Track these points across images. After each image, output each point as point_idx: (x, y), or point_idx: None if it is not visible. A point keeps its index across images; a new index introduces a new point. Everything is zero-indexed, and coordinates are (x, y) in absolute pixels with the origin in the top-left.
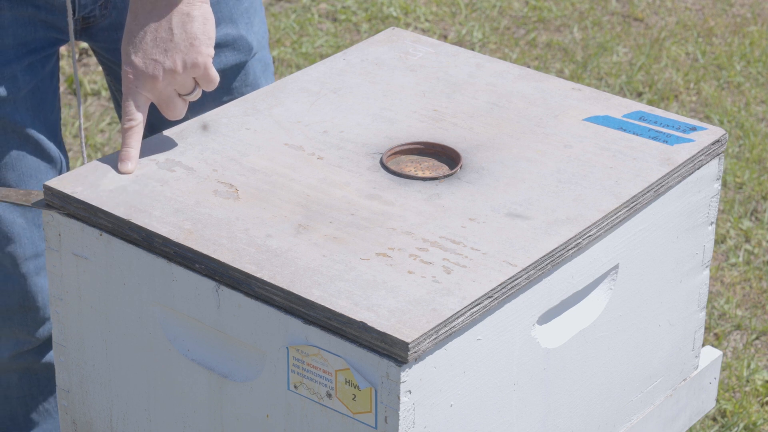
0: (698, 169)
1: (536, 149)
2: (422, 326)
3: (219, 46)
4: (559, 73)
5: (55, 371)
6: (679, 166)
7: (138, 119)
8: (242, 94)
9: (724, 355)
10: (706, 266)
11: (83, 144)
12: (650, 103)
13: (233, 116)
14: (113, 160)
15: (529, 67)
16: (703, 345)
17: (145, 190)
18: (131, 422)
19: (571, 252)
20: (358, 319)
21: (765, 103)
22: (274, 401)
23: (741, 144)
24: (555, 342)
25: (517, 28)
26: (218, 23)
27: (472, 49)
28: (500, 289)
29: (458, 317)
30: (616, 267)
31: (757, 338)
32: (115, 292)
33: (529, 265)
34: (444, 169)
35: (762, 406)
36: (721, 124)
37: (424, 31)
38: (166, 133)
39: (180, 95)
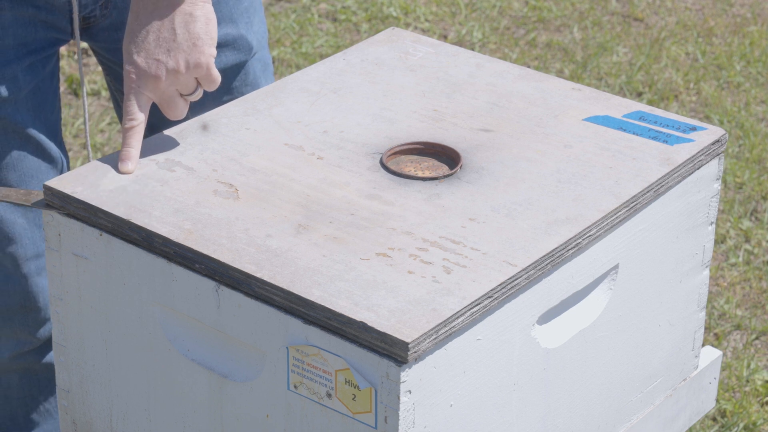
0: (698, 169)
1: (536, 149)
2: (422, 326)
3: (219, 45)
4: (559, 73)
5: (55, 371)
6: (679, 166)
7: (139, 119)
8: (242, 94)
9: (724, 355)
10: (706, 266)
11: (88, 144)
12: (650, 103)
13: (233, 116)
14: (113, 160)
15: (529, 67)
16: (703, 345)
17: (145, 190)
18: (131, 422)
19: (571, 252)
20: (358, 319)
21: (765, 103)
22: (274, 401)
23: (741, 144)
24: (555, 342)
25: (517, 28)
26: (218, 23)
27: (472, 49)
28: (500, 289)
29: (458, 317)
30: (616, 267)
31: (757, 338)
32: (115, 292)
33: (529, 265)
34: (444, 169)
35: (762, 406)
36: (721, 124)
37: (424, 31)
38: (166, 133)
39: (182, 95)
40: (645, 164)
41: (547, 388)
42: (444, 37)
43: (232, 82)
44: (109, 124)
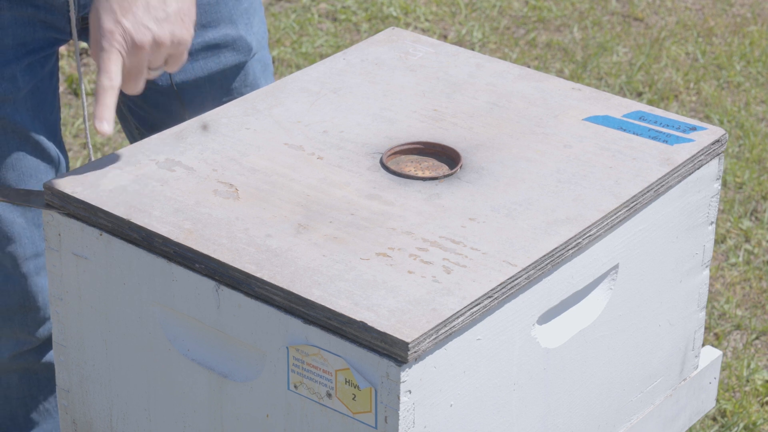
0: (698, 169)
1: (536, 149)
2: (422, 326)
3: (219, 46)
4: (559, 73)
5: (55, 371)
6: (679, 166)
7: (118, 82)
8: (242, 95)
9: (724, 355)
10: (706, 266)
11: (89, 144)
12: (650, 103)
13: (233, 116)
14: (113, 160)
15: (529, 67)
16: (703, 345)
17: (145, 190)
18: (131, 422)
19: (571, 252)
20: (358, 319)
21: (765, 103)
22: (274, 401)
23: (741, 144)
24: (555, 342)
25: (517, 28)
26: (218, 23)
27: (472, 49)
28: (500, 289)
29: (458, 317)
30: (616, 267)
31: (757, 338)
32: (115, 292)
33: (529, 265)
34: (444, 169)
35: (762, 405)
36: (721, 124)
37: (424, 31)
38: (166, 133)
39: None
40: (645, 164)
41: (547, 388)
42: (444, 37)
43: (232, 83)
44: None
